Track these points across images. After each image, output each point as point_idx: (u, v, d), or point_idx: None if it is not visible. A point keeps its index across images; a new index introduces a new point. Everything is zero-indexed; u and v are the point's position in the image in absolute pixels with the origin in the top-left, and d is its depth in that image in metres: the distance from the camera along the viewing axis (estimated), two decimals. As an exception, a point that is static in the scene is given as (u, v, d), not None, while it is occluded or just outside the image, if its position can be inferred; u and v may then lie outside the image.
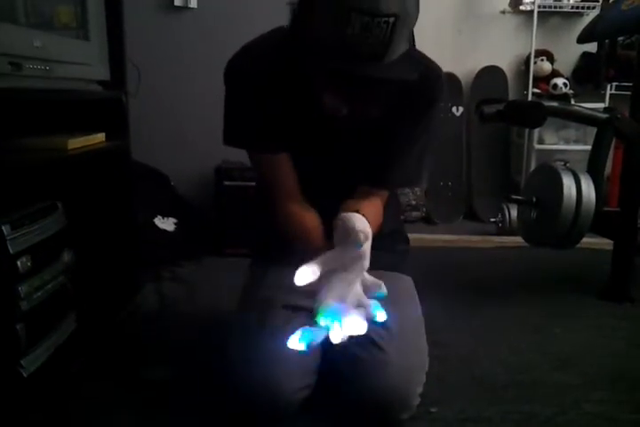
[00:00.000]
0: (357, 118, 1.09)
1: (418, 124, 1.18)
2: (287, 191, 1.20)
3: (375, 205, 1.19)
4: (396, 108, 1.14)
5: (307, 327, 0.97)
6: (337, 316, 0.94)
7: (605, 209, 1.98)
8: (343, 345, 1.15)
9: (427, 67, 1.14)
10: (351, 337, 0.96)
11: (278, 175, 1.20)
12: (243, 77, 1.14)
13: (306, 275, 0.96)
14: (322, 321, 0.94)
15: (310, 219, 1.19)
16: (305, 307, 1.21)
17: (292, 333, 1.14)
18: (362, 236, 0.96)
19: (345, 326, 0.93)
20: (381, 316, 0.97)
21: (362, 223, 0.99)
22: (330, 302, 0.95)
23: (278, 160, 1.19)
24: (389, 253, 1.33)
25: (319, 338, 0.97)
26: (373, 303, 0.98)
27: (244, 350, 1.14)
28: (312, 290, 1.22)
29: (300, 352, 0.98)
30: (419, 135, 1.20)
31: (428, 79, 1.13)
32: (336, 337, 0.94)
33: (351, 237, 0.97)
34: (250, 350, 1.14)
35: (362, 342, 1.13)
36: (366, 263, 1.00)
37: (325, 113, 1.09)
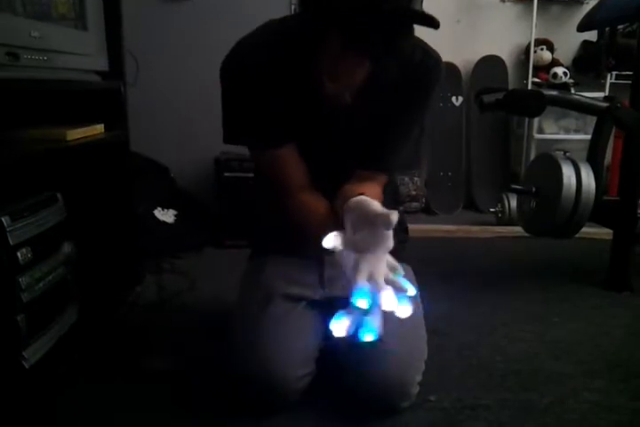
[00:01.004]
0: (357, 105, 1.09)
1: (415, 108, 1.19)
2: (298, 183, 1.17)
3: (375, 189, 1.18)
4: (394, 94, 1.14)
5: (342, 311, 0.95)
6: (372, 294, 0.92)
7: (605, 198, 1.98)
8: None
9: (426, 52, 1.15)
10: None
11: (286, 169, 1.17)
12: (238, 73, 1.11)
13: (334, 239, 0.95)
14: (358, 302, 0.91)
15: (324, 206, 1.16)
16: (305, 297, 1.22)
17: (293, 322, 1.16)
18: (388, 216, 0.93)
19: (382, 302, 0.91)
20: (412, 290, 0.95)
21: (377, 205, 0.98)
22: (363, 282, 0.93)
23: (284, 154, 1.16)
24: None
25: (358, 320, 0.94)
26: (401, 279, 0.96)
27: (245, 340, 1.15)
28: (310, 283, 1.23)
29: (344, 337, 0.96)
30: (416, 120, 1.20)
31: (426, 64, 1.14)
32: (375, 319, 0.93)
33: (378, 219, 0.94)
34: (250, 339, 1.14)
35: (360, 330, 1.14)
36: (391, 243, 0.98)
37: (326, 101, 1.09)
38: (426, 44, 1.18)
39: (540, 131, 3.11)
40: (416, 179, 3.03)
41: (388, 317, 1.15)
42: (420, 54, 1.14)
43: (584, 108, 2.01)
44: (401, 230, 1.41)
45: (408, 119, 1.19)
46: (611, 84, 3.05)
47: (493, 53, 3.17)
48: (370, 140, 1.19)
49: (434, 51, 1.18)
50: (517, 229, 2.33)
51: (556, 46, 3.14)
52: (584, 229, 1.93)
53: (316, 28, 0.99)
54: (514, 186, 2.11)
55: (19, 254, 1.16)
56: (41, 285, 1.24)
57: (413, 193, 3.03)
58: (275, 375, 1.10)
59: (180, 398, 1.21)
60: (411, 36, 1.00)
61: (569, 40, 3.17)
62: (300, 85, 1.11)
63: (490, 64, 3.17)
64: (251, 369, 1.11)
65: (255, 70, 1.09)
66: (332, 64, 1.02)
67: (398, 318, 1.15)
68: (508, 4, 3.19)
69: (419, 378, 1.15)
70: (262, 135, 1.15)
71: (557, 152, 2.08)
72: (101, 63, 1.57)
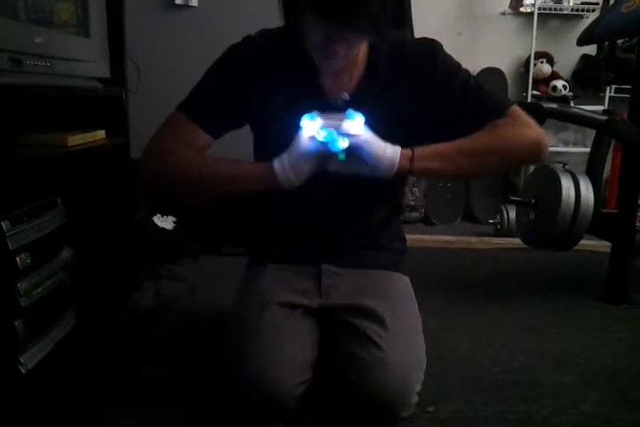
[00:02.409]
0: (359, 104, 1.11)
1: (439, 80, 1.17)
2: (194, 143, 1.18)
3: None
4: (402, 87, 1.17)
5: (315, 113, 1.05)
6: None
7: (604, 211, 1.99)
8: (340, 342, 1.17)
9: (416, 41, 1.20)
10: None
11: (188, 142, 1.18)
12: (240, 62, 1.18)
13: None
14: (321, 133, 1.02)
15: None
16: (302, 305, 1.22)
17: (290, 329, 1.15)
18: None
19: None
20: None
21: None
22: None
23: (200, 136, 1.19)
24: (387, 251, 1.33)
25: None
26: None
27: (242, 347, 1.15)
28: (307, 291, 1.23)
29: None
30: (462, 82, 1.19)
31: (420, 47, 1.18)
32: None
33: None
34: (247, 346, 1.14)
35: (359, 340, 1.14)
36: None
37: (326, 96, 1.15)
38: (416, 38, 1.22)
39: (540, 143, 3.12)
40: (415, 189, 3.04)
41: (386, 327, 1.16)
42: (411, 46, 1.18)
43: (583, 121, 2.02)
44: (399, 240, 1.42)
45: (450, 93, 1.17)
46: (610, 97, 3.06)
47: (493, 66, 3.18)
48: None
49: (425, 38, 1.21)
50: (516, 241, 2.33)
51: (555, 59, 3.16)
52: (582, 242, 1.93)
53: (299, 20, 1.04)
54: (513, 198, 2.11)
55: (18, 259, 1.16)
56: (39, 290, 1.24)
57: (412, 203, 3.03)
58: (271, 382, 1.09)
59: (177, 405, 1.21)
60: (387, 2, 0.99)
61: (568, 53, 3.19)
62: (300, 83, 1.15)
63: (490, 76, 3.18)
64: (247, 375, 1.11)
65: (256, 60, 1.16)
66: (318, 54, 1.07)
67: (397, 329, 1.16)
68: (508, 16, 3.22)
69: (418, 388, 1.15)
70: (211, 114, 1.19)
71: (556, 164, 2.09)
72: (103, 70, 1.57)
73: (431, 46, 1.19)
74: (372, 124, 1.08)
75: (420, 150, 1.11)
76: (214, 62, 1.22)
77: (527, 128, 1.18)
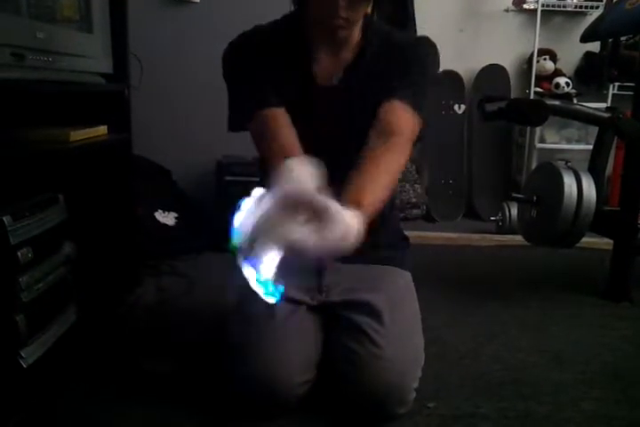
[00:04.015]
0: (350, 85, 1.19)
1: (409, 73, 1.21)
2: (289, 149, 1.11)
3: (392, 164, 1.13)
4: (383, 76, 1.20)
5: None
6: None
7: (606, 208, 1.98)
8: (339, 339, 1.16)
9: (407, 36, 1.33)
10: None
11: (278, 133, 1.14)
12: (235, 53, 1.23)
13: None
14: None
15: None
16: (305, 302, 1.22)
17: (296, 326, 1.15)
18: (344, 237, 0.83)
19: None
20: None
21: (350, 228, 0.85)
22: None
23: (278, 116, 1.16)
24: (388, 248, 1.33)
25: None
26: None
27: (246, 345, 1.15)
28: (308, 289, 1.23)
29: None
30: (412, 84, 1.20)
31: (408, 41, 1.27)
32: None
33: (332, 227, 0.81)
34: (251, 344, 1.14)
35: (357, 336, 1.14)
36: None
37: (321, 81, 1.20)
38: (414, 37, 1.34)
39: (542, 140, 3.12)
40: (417, 186, 3.03)
41: (385, 324, 1.15)
42: (401, 38, 1.26)
43: (586, 118, 2.01)
44: (400, 237, 1.42)
45: (407, 79, 1.20)
46: (613, 94, 3.05)
47: (496, 62, 3.17)
48: (365, 116, 1.17)
49: (420, 39, 1.34)
50: (518, 238, 2.33)
51: (558, 56, 3.15)
52: (584, 239, 1.93)
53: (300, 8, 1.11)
54: (515, 195, 2.11)
55: (19, 254, 1.16)
56: (41, 285, 1.24)
57: (414, 200, 3.03)
58: (274, 381, 1.09)
59: (178, 401, 1.21)
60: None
61: (572, 50, 3.18)
62: (293, 66, 1.20)
63: (492, 73, 3.17)
64: (251, 374, 1.11)
65: (252, 51, 1.20)
66: (322, 20, 1.12)
67: (395, 326, 1.16)
68: (511, 13, 3.20)
69: (415, 385, 1.15)
70: (256, 100, 1.18)
71: (559, 162, 2.09)
72: (106, 66, 1.57)
73: (417, 49, 1.27)
74: (355, 106, 1.18)
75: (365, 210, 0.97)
76: (223, 65, 1.26)
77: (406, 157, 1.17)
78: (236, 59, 1.23)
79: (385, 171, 1.09)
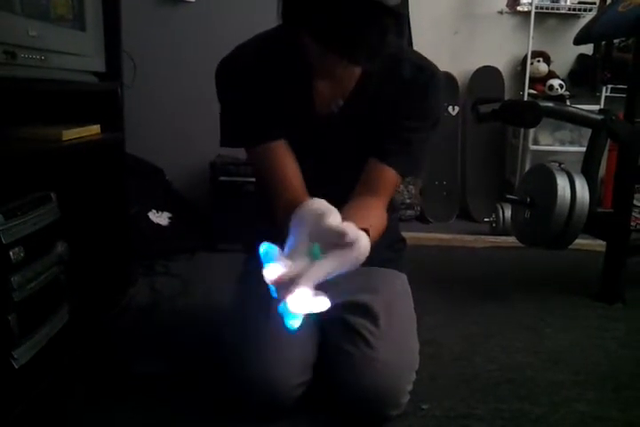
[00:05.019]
0: (348, 113, 1.13)
1: (411, 117, 1.16)
2: (289, 183, 1.14)
3: (379, 210, 1.14)
4: (387, 105, 1.15)
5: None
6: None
7: (599, 210, 1.99)
8: (333, 340, 1.16)
9: (418, 67, 1.15)
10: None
11: (277, 163, 1.15)
12: (232, 75, 1.15)
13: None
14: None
15: None
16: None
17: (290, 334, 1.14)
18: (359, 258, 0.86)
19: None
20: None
21: (335, 217, 0.88)
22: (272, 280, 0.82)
23: (276, 148, 1.15)
24: (385, 249, 1.33)
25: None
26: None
27: (243, 347, 1.14)
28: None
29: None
30: (415, 129, 1.17)
31: (418, 79, 1.14)
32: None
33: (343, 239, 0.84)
34: (248, 346, 1.14)
35: (352, 338, 1.13)
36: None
37: (319, 108, 1.13)
38: (421, 56, 1.18)
39: (536, 142, 3.13)
40: (411, 187, 3.04)
41: (379, 326, 1.15)
42: (412, 69, 1.14)
43: (579, 120, 2.02)
44: (397, 238, 1.42)
45: (406, 128, 1.17)
46: (606, 97, 3.06)
47: (490, 64, 3.18)
48: (365, 146, 1.17)
49: (429, 64, 1.17)
50: (511, 240, 2.34)
51: (552, 59, 3.16)
52: (577, 241, 1.93)
53: (295, 32, 1.00)
54: (508, 196, 2.11)
55: (11, 253, 1.15)
56: (33, 284, 1.23)
57: (408, 201, 3.03)
58: (271, 383, 1.09)
59: (171, 403, 1.20)
60: (388, 31, 0.93)
61: (565, 53, 3.19)
62: (291, 91, 1.14)
63: (486, 75, 3.18)
64: (247, 376, 1.11)
65: (248, 72, 1.12)
66: (318, 64, 1.04)
67: (390, 328, 1.15)
68: (505, 15, 3.21)
69: (409, 387, 1.14)
70: (255, 131, 1.15)
71: (552, 163, 2.09)
72: (99, 64, 1.56)
73: (429, 81, 1.15)
74: (358, 132, 1.14)
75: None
76: (216, 83, 1.18)
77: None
78: (232, 79, 1.16)
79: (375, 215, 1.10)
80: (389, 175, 1.16)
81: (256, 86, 1.13)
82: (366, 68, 1.10)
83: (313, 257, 0.84)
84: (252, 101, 1.13)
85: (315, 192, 1.10)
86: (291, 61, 1.11)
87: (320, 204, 0.91)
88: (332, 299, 0.84)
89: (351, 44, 0.91)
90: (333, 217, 0.87)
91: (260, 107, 1.14)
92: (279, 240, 0.87)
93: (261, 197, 1.25)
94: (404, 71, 1.13)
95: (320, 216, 0.86)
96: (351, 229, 0.85)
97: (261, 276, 1.24)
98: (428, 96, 1.16)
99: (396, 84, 1.14)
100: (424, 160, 1.23)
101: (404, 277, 1.34)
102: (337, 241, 0.84)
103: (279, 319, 0.82)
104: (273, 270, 0.80)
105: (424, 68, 1.15)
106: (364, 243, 0.86)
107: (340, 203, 0.99)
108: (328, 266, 0.84)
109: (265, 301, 1.18)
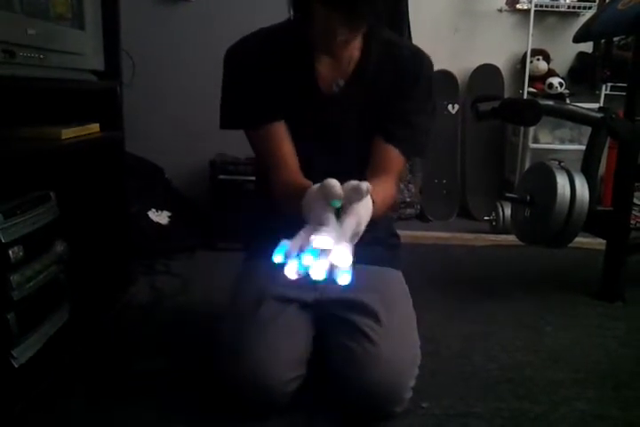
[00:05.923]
0: (350, 93, 1.19)
1: (410, 98, 1.23)
2: (286, 162, 1.20)
3: (388, 184, 1.20)
4: (386, 86, 1.21)
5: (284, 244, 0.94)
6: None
7: (598, 208, 1.99)
8: (335, 337, 1.16)
9: (415, 50, 1.25)
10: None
11: (276, 144, 1.21)
12: (240, 57, 1.21)
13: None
14: (275, 257, 0.92)
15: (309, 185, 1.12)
16: (298, 299, 1.22)
17: (284, 324, 1.15)
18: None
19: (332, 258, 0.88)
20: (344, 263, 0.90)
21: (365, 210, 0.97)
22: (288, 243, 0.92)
23: (276, 129, 1.21)
24: (380, 246, 1.33)
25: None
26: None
27: (237, 342, 1.14)
28: (304, 285, 1.22)
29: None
30: (415, 110, 1.24)
31: (415, 60, 1.24)
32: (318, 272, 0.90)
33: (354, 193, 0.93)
34: (242, 341, 1.14)
35: (354, 334, 1.13)
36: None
37: (322, 88, 1.19)
38: (415, 45, 1.29)
39: (536, 140, 3.12)
40: (410, 185, 3.03)
41: (380, 322, 1.15)
42: (407, 53, 1.24)
43: (579, 118, 2.01)
44: (392, 235, 1.42)
45: (407, 110, 1.23)
46: (605, 95, 3.06)
47: (490, 62, 3.18)
48: (364, 120, 1.23)
49: (423, 51, 1.26)
50: (511, 238, 2.33)
51: (551, 57, 3.15)
52: (577, 239, 1.93)
53: (305, 12, 1.08)
54: (508, 194, 2.11)
55: (10, 252, 1.15)
56: (32, 283, 1.23)
57: (408, 200, 3.03)
58: (265, 378, 1.09)
59: (169, 399, 1.20)
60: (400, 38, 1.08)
61: (565, 51, 3.19)
62: (294, 73, 1.19)
63: (486, 73, 3.18)
64: (241, 371, 1.11)
65: (256, 56, 1.19)
66: (322, 39, 1.11)
67: (391, 324, 1.15)
68: (505, 13, 3.21)
69: (412, 383, 1.14)
70: (257, 112, 1.21)
71: (552, 162, 2.09)
72: (98, 63, 1.56)
73: (423, 64, 1.24)
74: (359, 109, 1.20)
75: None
76: (224, 68, 1.24)
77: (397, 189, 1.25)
78: (237, 62, 1.22)
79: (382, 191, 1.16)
80: (394, 155, 1.24)
81: (260, 68, 1.19)
82: (366, 29, 1.14)
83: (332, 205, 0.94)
84: (256, 83, 1.19)
85: (316, 163, 1.20)
86: (294, 47, 1.18)
87: (320, 186, 0.96)
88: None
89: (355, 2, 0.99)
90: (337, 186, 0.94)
91: (264, 88, 1.19)
92: (280, 236, 0.93)
93: (260, 190, 1.30)
94: (399, 55, 1.22)
95: (325, 188, 0.94)
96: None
97: (259, 273, 1.25)
98: (423, 78, 1.24)
99: (393, 66, 1.21)
100: (427, 143, 1.29)
101: (399, 274, 1.35)
102: (350, 194, 0.93)
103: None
104: (324, 238, 0.88)
105: (419, 52, 1.25)
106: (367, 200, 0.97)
107: (339, 173, 1.02)
108: (352, 221, 0.94)
109: (257, 295, 1.19)
